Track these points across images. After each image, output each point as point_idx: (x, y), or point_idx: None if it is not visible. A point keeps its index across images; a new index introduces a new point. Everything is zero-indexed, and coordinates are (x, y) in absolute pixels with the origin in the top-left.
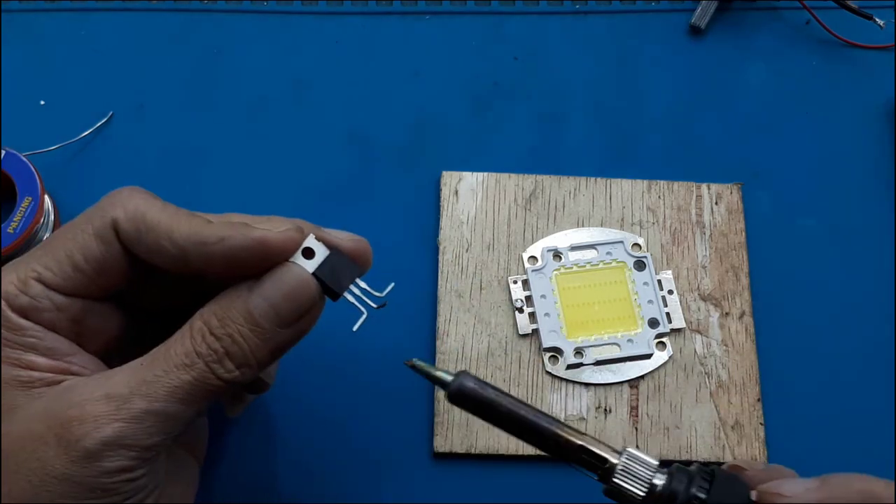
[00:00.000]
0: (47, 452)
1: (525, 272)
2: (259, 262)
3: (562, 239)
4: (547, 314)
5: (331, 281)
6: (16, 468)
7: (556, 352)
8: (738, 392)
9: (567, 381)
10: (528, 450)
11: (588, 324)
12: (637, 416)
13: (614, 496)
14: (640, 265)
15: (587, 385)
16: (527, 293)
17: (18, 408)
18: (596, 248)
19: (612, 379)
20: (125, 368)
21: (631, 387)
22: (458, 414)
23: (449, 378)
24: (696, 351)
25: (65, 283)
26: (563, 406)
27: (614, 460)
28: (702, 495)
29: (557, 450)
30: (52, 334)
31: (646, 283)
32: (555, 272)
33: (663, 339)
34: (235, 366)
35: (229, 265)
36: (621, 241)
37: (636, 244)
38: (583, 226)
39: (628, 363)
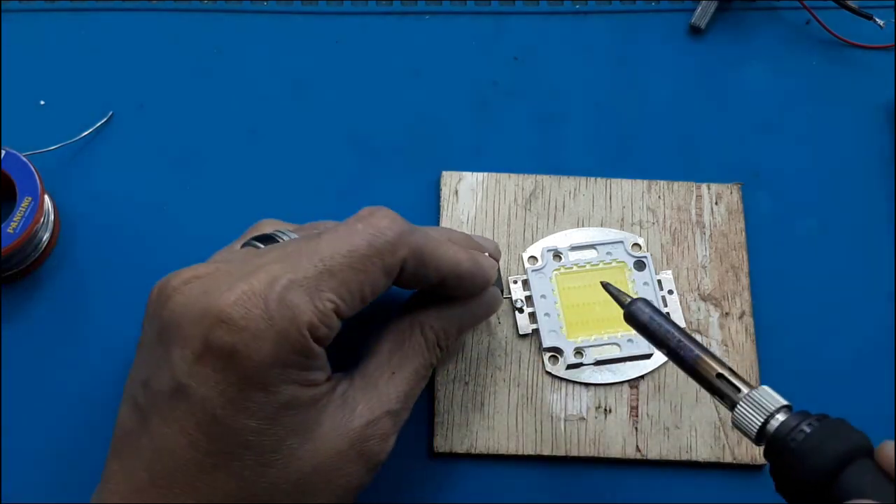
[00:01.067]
0: (351, 468)
1: (525, 272)
2: (477, 290)
3: (562, 239)
4: (547, 314)
5: (500, 287)
6: (325, 484)
7: (556, 352)
8: None
9: (567, 381)
10: (528, 450)
11: (588, 324)
12: (637, 416)
13: (738, 426)
14: (640, 265)
15: (587, 385)
16: (527, 293)
17: (315, 425)
18: (596, 248)
19: (612, 379)
20: (381, 380)
21: (631, 387)
22: (459, 414)
23: (626, 300)
24: None
25: (350, 313)
26: (563, 406)
27: (743, 390)
28: (806, 429)
29: (696, 376)
30: (324, 353)
31: (646, 283)
32: (555, 272)
33: None
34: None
35: (459, 289)
36: (621, 241)
37: (636, 244)
38: (583, 226)
39: (628, 363)
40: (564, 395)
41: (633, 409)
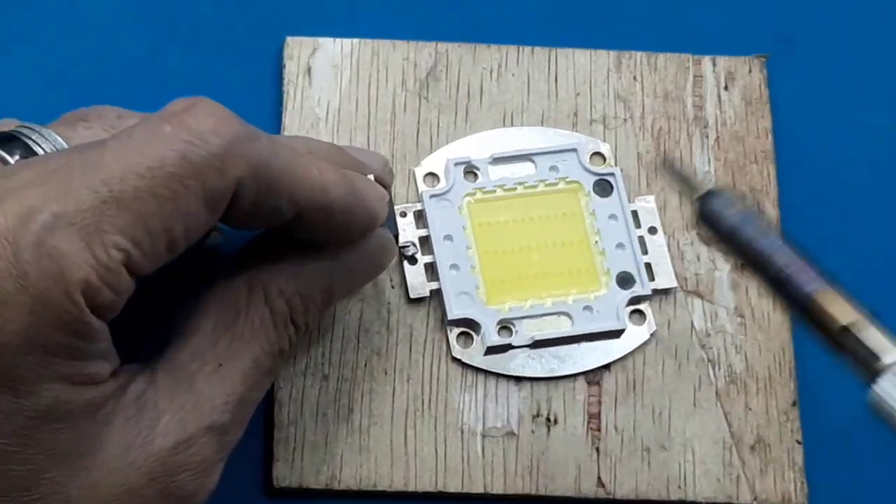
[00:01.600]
0: None
1: (419, 198)
2: (355, 232)
3: (478, 146)
4: (454, 266)
5: (393, 231)
6: None
7: (468, 326)
8: (762, 391)
9: (486, 372)
10: (424, 484)
11: (521, 282)
12: (599, 429)
13: (878, 411)
14: (604, 187)
15: (518, 380)
16: (422, 232)
17: (93, 447)
18: (533, 161)
19: (558, 370)
20: (199, 376)
21: (590, 383)
22: (313, 426)
23: (697, 191)
24: (693, 325)
25: (151, 268)
26: (480, 413)
27: (888, 357)
28: None
29: (813, 323)
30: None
31: (613, 217)
32: (467, 199)
33: (641, 307)
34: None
35: (327, 231)
36: (574, 150)
37: (598, 154)
38: (512, 124)
39: (585, 344)
40: (482, 395)
41: (593, 419)
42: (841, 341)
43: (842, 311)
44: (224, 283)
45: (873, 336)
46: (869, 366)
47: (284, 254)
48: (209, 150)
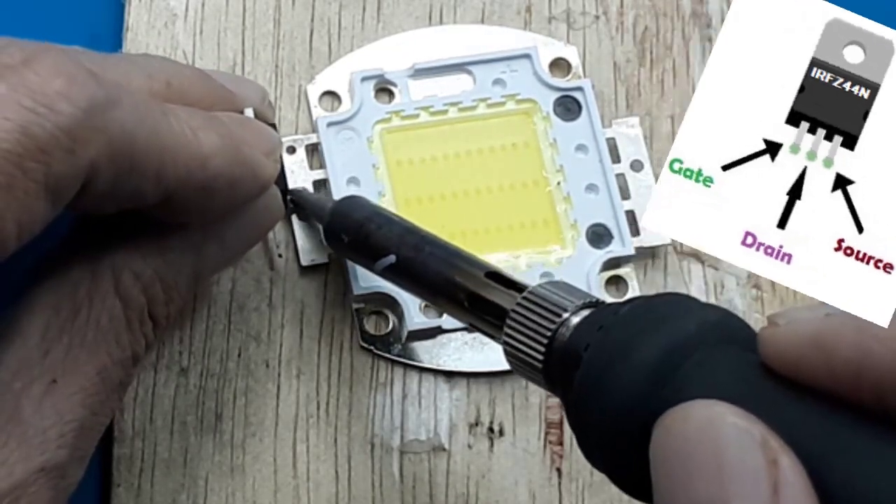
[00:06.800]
0: None
1: (314, 127)
2: (239, 202)
3: (395, 52)
4: None
5: (281, 184)
6: None
7: (382, 303)
8: None
9: (406, 365)
10: None
11: (454, 240)
12: (561, 442)
13: (517, 369)
14: (569, 108)
15: (450, 375)
16: (317, 174)
17: None
18: (471, 72)
19: (505, 362)
20: (26, 399)
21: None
22: (166, 441)
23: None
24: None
25: None
26: (398, 421)
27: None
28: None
29: (444, 305)
30: None
31: (582, 148)
32: (380, 127)
33: (620, 272)
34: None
35: (203, 211)
36: (527, 55)
37: (560, 60)
38: (441, 22)
39: None
40: (400, 397)
41: (553, 428)
42: (468, 307)
43: (467, 275)
44: (58, 267)
45: (494, 289)
46: (497, 325)
47: (139, 224)
48: (57, 123)
